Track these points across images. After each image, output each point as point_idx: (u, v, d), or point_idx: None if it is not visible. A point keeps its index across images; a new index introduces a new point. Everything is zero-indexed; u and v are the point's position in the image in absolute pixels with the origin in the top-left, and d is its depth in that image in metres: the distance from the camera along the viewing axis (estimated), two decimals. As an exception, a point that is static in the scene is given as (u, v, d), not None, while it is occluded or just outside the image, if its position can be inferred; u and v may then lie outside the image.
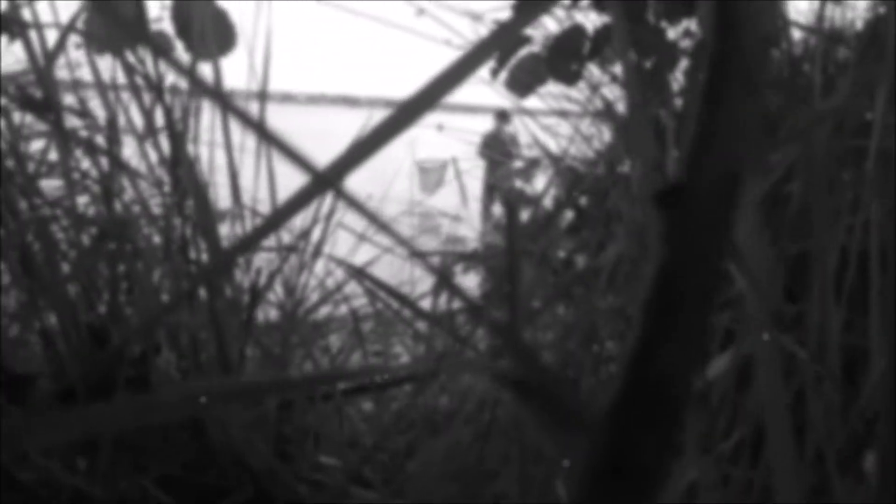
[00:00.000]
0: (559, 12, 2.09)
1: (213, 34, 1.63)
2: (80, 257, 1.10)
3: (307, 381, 0.32)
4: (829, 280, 0.95)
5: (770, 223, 1.22)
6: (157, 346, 1.25)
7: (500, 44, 0.44)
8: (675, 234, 0.30)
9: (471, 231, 2.25)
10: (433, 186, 5.88)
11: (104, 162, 1.29)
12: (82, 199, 1.29)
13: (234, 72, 1.72)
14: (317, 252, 1.53)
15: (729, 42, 0.30)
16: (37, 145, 1.34)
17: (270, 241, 1.54)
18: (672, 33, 2.06)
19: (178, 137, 1.30)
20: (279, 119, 2.00)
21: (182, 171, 1.24)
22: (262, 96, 1.48)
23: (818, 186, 0.89)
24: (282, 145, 0.33)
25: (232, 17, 1.69)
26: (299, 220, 1.60)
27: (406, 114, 0.40)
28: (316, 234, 1.56)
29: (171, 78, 1.43)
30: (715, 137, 0.30)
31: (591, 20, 2.06)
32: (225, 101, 1.45)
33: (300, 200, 0.43)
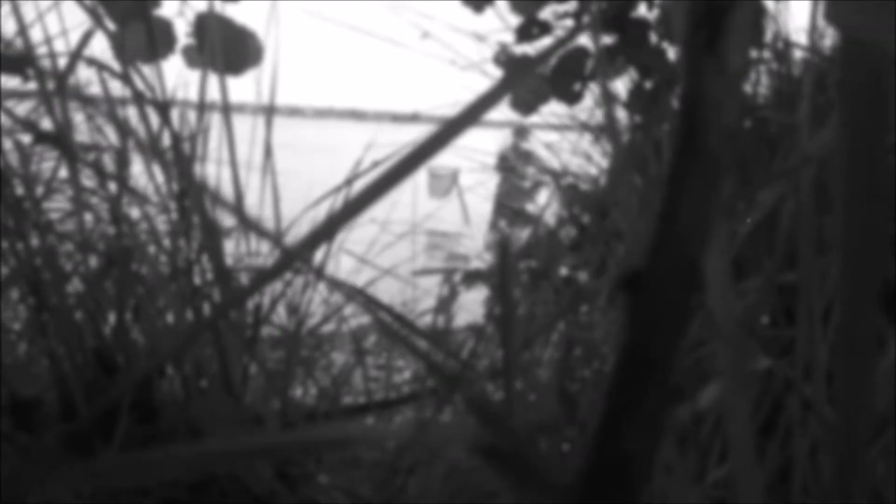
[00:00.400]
0: (561, 33, 2.11)
1: (238, 50, 1.67)
2: (87, 282, 1.13)
3: (310, 442, 0.34)
4: (817, 309, 0.97)
5: (760, 251, 1.24)
6: (162, 368, 1.27)
7: (500, 93, 0.46)
8: (637, 317, 0.32)
9: (474, 248, 2.28)
10: (443, 192, 5.90)
11: (112, 184, 1.32)
12: (88, 217, 1.31)
13: (243, 85, 1.75)
14: (319, 273, 1.55)
15: (693, 130, 0.32)
16: (45, 164, 1.37)
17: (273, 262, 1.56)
18: (673, 54, 2.09)
19: (185, 161, 1.32)
20: (287, 133, 2.02)
21: (189, 195, 1.26)
22: (270, 111, 1.51)
23: (805, 220, 0.91)
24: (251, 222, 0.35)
25: (256, 35, 1.73)
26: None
27: (418, 154, 0.42)
28: (319, 255, 1.58)
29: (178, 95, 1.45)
30: (677, 223, 0.32)
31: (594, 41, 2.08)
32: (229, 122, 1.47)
33: (315, 239, 0.45)
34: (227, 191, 1.57)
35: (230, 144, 1.39)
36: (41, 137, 1.13)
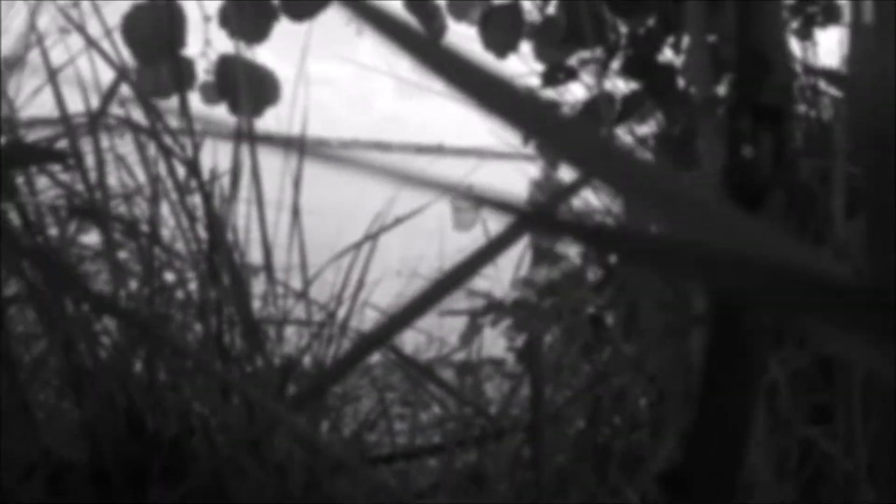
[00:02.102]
0: (587, 78, 2.12)
1: (257, 91, 1.69)
2: (120, 351, 1.15)
3: None
4: (856, 385, 0.96)
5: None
6: (192, 429, 1.28)
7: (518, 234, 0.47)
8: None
9: (498, 284, 2.28)
10: (468, 225, 5.91)
11: (144, 241, 1.33)
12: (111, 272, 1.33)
13: (271, 117, 1.77)
14: (343, 328, 1.56)
15: (727, 334, 0.32)
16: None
17: (300, 315, 1.58)
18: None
19: (216, 222, 1.34)
20: (313, 165, 2.03)
21: (219, 257, 1.27)
22: (299, 173, 1.52)
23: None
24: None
25: (275, 74, 1.75)
26: (326, 297, 1.64)
27: (439, 288, 0.43)
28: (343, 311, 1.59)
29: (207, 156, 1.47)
30: (714, 426, 0.32)
31: (619, 87, 2.09)
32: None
33: (351, 360, 0.46)
34: (255, 233, 1.58)
35: (259, 204, 1.40)
36: (77, 211, 1.15)
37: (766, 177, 0.40)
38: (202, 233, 1.39)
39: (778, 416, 0.95)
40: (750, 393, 0.27)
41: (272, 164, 1.77)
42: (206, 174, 1.48)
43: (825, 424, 1.07)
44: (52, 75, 1.63)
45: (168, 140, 1.34)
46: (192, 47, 1.72)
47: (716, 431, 0.28)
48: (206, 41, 1.62)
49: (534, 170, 2.80)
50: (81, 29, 1.61)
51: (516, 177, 2.97)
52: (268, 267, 1.44)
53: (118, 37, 1.60)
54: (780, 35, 0.54)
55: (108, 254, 1.16)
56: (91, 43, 1.60)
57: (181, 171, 1.45)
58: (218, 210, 1.32)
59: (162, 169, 1.31)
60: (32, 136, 1.87)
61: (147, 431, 1.23)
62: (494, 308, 2.30)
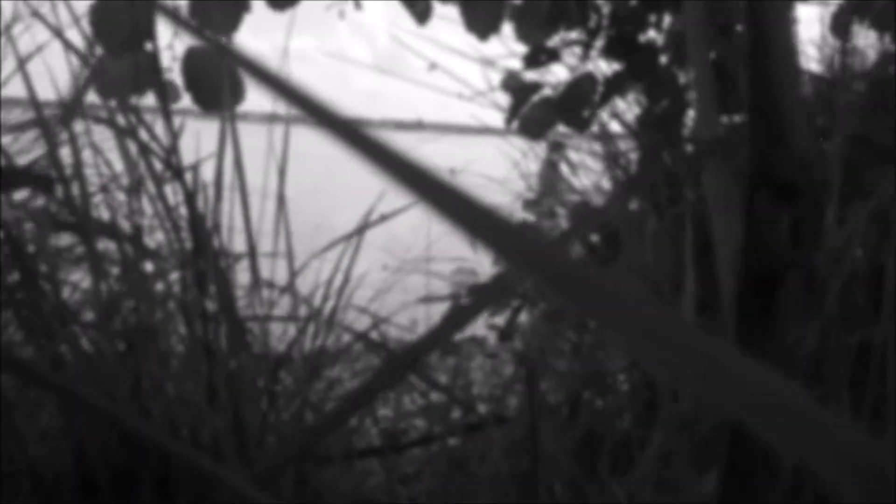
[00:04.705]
0: (570, 59, 2.10)
1: (226, 86, 1.65)
2: (108, 364, 1.13)
3: None
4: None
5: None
6: (178, 435, 1.27)
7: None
8: None
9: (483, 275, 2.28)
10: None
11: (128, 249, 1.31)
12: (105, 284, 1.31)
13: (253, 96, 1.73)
14: (330, 322, 1.55)
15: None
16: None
17: (285, 312, 1.56)
18: (683, 78, 2.07)
19: (198, 219, 1.32)
20: (293, 141, 2.00)
21: (203, 253, 1.26)
22: (282, 170, 1.50)
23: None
24: None
25: (241, 71, 1.71)
26: (311, 290, 1.62)
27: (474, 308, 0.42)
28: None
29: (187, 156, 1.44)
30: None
31: (602, 68, 2.07)
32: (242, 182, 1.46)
33: (333, 423, 0.45)
34: (239, 222, 1.56)
35: (245, 210, 1.38)
36: (61, 226, 1.13)
37: (784, 259, 0.39)
38: (185, 233, 1.37)
39: None
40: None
41: (255, 143, 1.74)
42: (187, 160, 1.45)
43: None
44: (21, 64, 1.59)
45: (144, 135, 1.32)
46: (162, 39, 1.67)
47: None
48: (174, 33, 1.57)
49: (511, 146, 2.79)
50: (45, 20, 1.57)
51: (495, 153, 2.95)
52: (253, 267, 1.43)
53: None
54: (798, 100, 0.51)
55: (90, 256, 1.14)
56: (57, 34, 1.56)
57: (159, 165, 1.43)
58: (201, 210, 1.29)
59: (141, 166, 1.29)
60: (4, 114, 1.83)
61: (134, 440, 1.21)
62: (476, 293, 2.29)
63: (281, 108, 2.01)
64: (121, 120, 1.35)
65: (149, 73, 1.60)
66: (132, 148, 1.37)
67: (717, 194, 0.47)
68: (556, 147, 2.49)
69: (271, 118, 1.89)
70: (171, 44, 1.69)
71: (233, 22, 1.53)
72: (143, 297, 1.19)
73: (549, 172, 2.45)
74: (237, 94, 1.69)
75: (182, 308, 1.35)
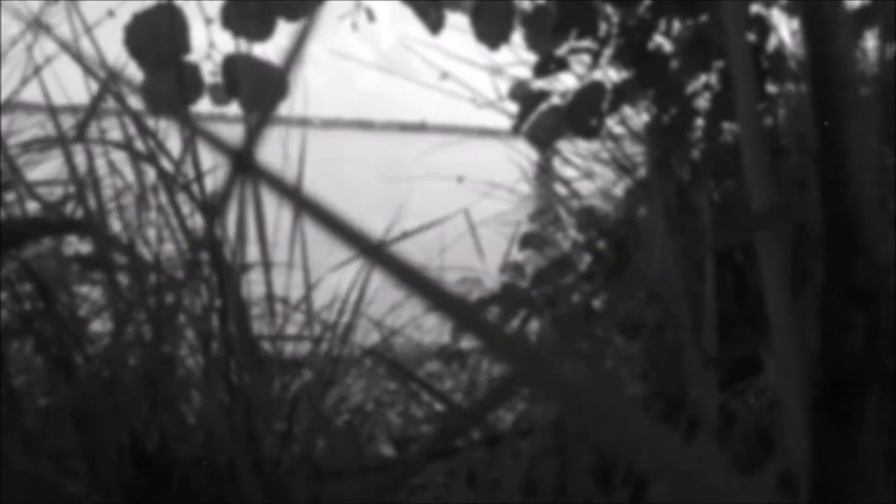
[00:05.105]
0: (578, 68, 2.09)
1: (267, 87, 1.65)
2: (126, 394, 1.13)
3: None
4: None
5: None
6: (196, 455, 1.27)
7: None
8: None
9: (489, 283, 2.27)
10: None
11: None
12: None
13: None
14: (344, 339, 1.55)
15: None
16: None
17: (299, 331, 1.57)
18: (691, 87, 2.07)
19: (217, 246, 1.31)
20: (296, 143, 2.00)
21: (226, 294, 1.26)
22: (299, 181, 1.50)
23: None
24: None
25: (281, 69, 1.71)
26: (326, 298, 1.62)
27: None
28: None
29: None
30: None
31: (611, 76, 2.06)
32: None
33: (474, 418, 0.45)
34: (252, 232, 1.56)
35: (259, 222, 1.38)
36: (86, 263, 1.12)
37: (862, 365, 0.38)
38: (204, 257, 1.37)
39: None
40: None
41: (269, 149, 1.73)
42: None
43: None
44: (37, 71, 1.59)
45: (166, 163, 1.31)
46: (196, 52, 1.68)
47: None
48: (210, 43, 1.58)
49: (517, 149, 2.78)
50: (53, 33, 1.57)
51: (501, 157, 2.94)
52: (268, 282, 1.43)
53: (104, 38, 1.56)
54: (875, 205, 0.49)
55: (110, 285, 1.14)
56: (64, 46, 1.55)
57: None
58: (219, 236, 1.29)
59: (163, 197, 1.29)
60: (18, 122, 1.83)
61: (153, 463, 1.22)
62: (484, 304, 2.28)
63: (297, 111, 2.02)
64: (139, 145, 1.35)
65: (193, 85, 1.60)
66: (149, 171, 1.37)
67: (771, 264, 0.46)
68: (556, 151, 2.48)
69: (286, 122, 1.90)
70: (208, 53, 1.69)
71: (268, 28, 1.53)
72: (167, 330, 1.18)
73: (542, 176, 2.45)
74: (279, 93, 1.69)
75: (198, 331, 1.35)
